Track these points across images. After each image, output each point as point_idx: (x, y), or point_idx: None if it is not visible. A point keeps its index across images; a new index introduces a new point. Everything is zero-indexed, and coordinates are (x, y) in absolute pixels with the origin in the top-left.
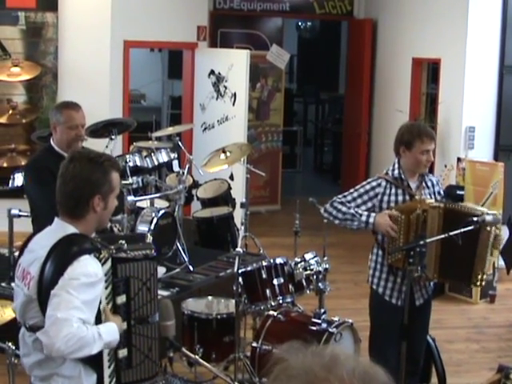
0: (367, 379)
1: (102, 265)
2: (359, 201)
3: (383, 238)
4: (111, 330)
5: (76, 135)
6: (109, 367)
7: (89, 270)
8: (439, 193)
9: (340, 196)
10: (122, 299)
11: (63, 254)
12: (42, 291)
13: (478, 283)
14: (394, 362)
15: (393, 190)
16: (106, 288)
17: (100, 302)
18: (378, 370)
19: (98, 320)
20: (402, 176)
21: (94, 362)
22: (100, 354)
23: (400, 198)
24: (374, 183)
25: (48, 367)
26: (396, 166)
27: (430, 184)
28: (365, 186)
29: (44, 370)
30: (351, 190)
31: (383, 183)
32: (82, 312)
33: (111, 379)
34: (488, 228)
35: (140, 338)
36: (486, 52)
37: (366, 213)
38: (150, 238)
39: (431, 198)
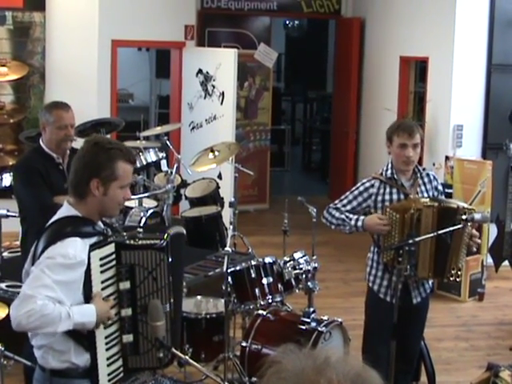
0: (359, 382)
1: (98, 248)
2: (354, 203)
3: (378, 236)
4: (86, 312)
5: (65, 135)
6: (107, 350)
7: (68, 251)
8: (436, 188)
9: (336, 201)
10: (125, 285)
11: (52, 234)
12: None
13: (452, 278)
14: (386, 359)
15: (387, 190)
16: (103, 272)
17: (91, 286)
18: (371, 373)
19: (86, 301)
20: (395, 176)
21: (86, 342)
22: (93, 335)
23: (395, 196)
24: (367, 184)
25: (41, 339)
26: (389, 165)
27: (426, 180)
28: (359, 188)
29: (38, 340)
30: (346, 193)
31: (377, 183)
32: (51, 291)
33: (112, 362)
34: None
35: (147, 327)
36: (473, 50)
37: (355, 217)
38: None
39: (428, 194)
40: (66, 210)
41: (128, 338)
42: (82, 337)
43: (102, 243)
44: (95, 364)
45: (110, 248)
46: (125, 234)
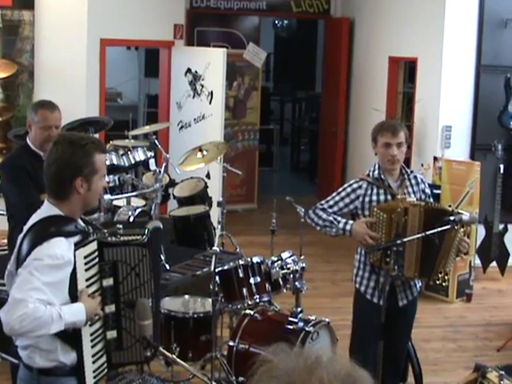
0: (350, 381)
1: (82, 247)
2: (341, 204)
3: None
4: (76, 311)
5: (49, 136)
6: (92, 347)
7: (56, 251)
8: (424, 191)
9: (323, 202)
10: (108, 282)
11: (36, 234)
12: (18, 268)
13: (439, 281)
14: (373, 360)
15: (374, 190)
16: (87, 270)
17: (77, 284)
18: (362, 373)
19: (76, 301)
20: (382, 176)
21: (72, 341)
22: (79, 332)
23: (382, 197)
24: (354, 185)
25: (26, 339)
26: (376, 166)
27: (414, 182)
28: (346, 189)
29: (23, 341)
30: (333, 194)
31: (364, 185)
32: (41, 293)
33: (97, 359)
34: (456, 227)
35: (130, 322)
36: (462, 51)
37: (343, 220)
38: (153, 223)
39: (415, 196)
40: (48, 209)
41: (112, 334)
42: (68, 335)
43: (86, 241)
44: (81, 361)
45: (93, 246)
46: (105, 230)
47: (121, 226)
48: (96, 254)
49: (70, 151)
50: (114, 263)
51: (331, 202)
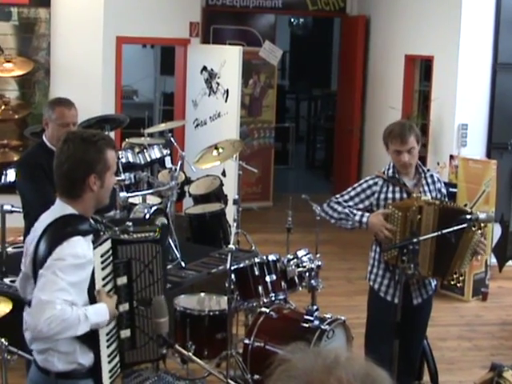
0: (369, 382)
1: (99, 245)
2: (356, 199)
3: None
4: (100, 312)
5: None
6: (108, 347)
7: (77, 251)
8: (440, 190)
9: (338, 195)
10: (122, 280)
11: (55, 234)
12: (36, 269)
13: (453, 282)
14: (388, 358)
15: (390, 188)
16: (104, 269)
17: (94, 283)
18: (380, 373)
19: (94, 301)
20: (397, 175)
21: (90, 341)
22: (96, 333)
23: (397, 195)
24: (370, 181)
25: (44, 342)
26: (391, 165)
27: (430, 181)
28: (362, 185)
29: (40, 344)
30: (348, 189)
31: (380, 182)
32: (67, 294)
33: (112, 359)
34: (473, 228)
35: (144, 320)
36: (479, 49)
37: (359, 212)
38: (160, 220)
39: (431, 194)
40: (61, 208)
41: (126, 333)
42: (86, 336)
43: (101, 240)
44: (99, 362)
45: (108, 244)
46: (116, 228)
47: (131, 224)
48: (110, 252)
49: (82, 148)
50: (128, 261)
51: (346, 197)
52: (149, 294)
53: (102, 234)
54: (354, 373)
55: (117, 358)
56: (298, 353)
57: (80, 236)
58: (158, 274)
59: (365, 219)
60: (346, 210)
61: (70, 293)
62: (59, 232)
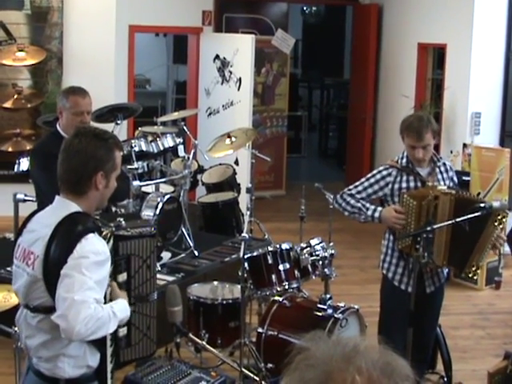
0: (388, 371)
1: (108, 242)
2: (370, 190)
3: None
4: (123, 307)
5: (81, 122)
6: (110, 346)
7: (97, 248)
8: (452, 179)
9: (351, 187)
10: (123, 277)
11: (70, 233)
12: (49, 271)
13: (470, 274)
14: (401, 347)
15: (404, 178)
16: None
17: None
18: (400, 362)
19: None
20: (410, 165)
21: (97, 341)
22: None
23: (412, 184)
24: (384, 172)
25: (54, 348)
26: (404, 154)
27: (443, 169)
28: (375, 175)
29: (50, 350)
30: (362, 180)
31: (394, 172)
32: (96, 292)
33: (112, 358)
34: (495, 223)
35: (139, 317)
36: (492, 37)
37: (372, 207)
38: (144, 215)
39: (444, 183)
40: (65, 206)
41: (123, 331)
42: None
43: (106, 237)
44: (104, 362)
45: (111, 241)
46: (112, 224)
47: (122, 219)
48: (112, 248)
49: (93, 144)
50: (128, 257)
51: (360, 188)
52: (145, 290)
53: (102, 230)
54: (373, 361)
55: (114, 358)
56: (317, 341)
57: (92, 233)
58: (154, 269)
59: (377, 214)
60: (359, 204)
61: (97, 291)
62: (74, 230)
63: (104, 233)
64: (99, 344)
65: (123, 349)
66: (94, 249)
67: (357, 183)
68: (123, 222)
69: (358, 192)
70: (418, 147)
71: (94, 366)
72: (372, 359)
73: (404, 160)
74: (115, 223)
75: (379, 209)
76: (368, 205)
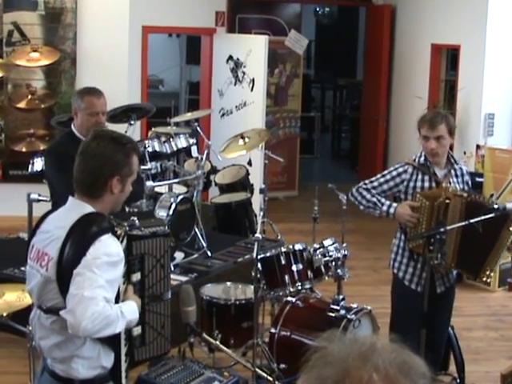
0: (405, 369)
1: (121, 242)
2: (385, 186)
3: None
4: (132, 309)
5: (96, 122)
6: (125, 345)
7: (111, 249)
8: (467, 183)
9: (367, 181)
10: (136, 277)
11: (84, 234)
12: (62, 272)
13: (484, 278)
14: (413, 348)
15: (419, 177)
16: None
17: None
18: (417, 360)
19: (116, 299)
20: (428, 163)
21: (112, 342)
22: (118, 332)
23: (426, 184)
24: (400, 169)
25: (67, 349)
26: (422, 153)
27: (459, 173)
28: (391, 172)
29: (64, 351)
30: (378, 176)
31: (410, 169)
32: (106, 291)
33: (126, 358)
34: (511, 228)
35: (153, 316)
36: (506, 38)
37: (388, 202)
38: (158, 214)
39: (459, 186)
40: (79, 207)
41: (137, 330)
42: (108, 337)
43: (120, 237)
44: (118, 362)
45: (125, 241)
46: (125, 223)
47: (136, 218)
48: (125, 248)
49: (111, 148)
50: (142, 257)
51: (375, 183)
52: (159, 289)
53: (116, 230)
54: (390, 360)
55: (128, 357)
56: (334, 340)
57: (107, 234)
58: (168, 268)
59: (392, 210)
60: (374, 199)
61: (107, 290)
62: (88, 232)
63: (118, 232)
64: (113, 344)
65: (137, 348)
66: (107, 251)
67: (372, 179)
68: (137, 222)
69: (374, 187)
70: (430, 138)
71: (108, 367)
72: (389, 357)
73: (422, 158)
74: (129, 222)
75: (394, 204)
76: (383, 200)
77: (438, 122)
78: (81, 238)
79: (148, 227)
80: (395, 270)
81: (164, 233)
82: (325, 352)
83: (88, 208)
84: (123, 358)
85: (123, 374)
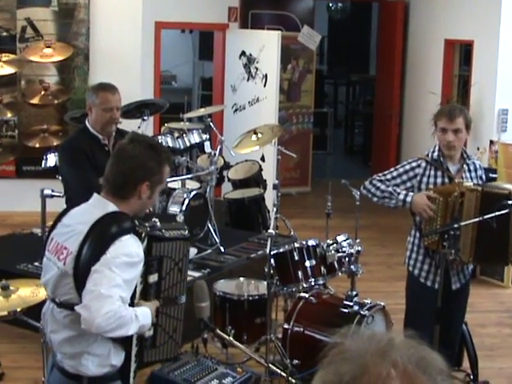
0: (423, 365)
1: (142, 242)
2: (398, 180)
3: (421, 219)
4: (146, 314)
5: (111, 118)
6: (136, 346)
7: (131, 250)
8: (481, 177)
9: (380, 174)
10: (153, 278)
11: (105, 233)
12: (80, 268)
13: None
14: (428, 344)
15: (432, 172)
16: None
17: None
18: (435, 356)
19: (132, 299)
20: (441, 159)
21: (123, 341)
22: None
23: (439, 180)
24: (413, 164)
25: (79, 345)
26: (436, 148)
27: (472, 168)
28: (404, 166)
29: (75, 347)
30: (391, 169)
31: (423, 164)
32: (123, 290)
33: (136, 358)
34: None
35: (166, 319)
36: None
37: (404, 191)
38: (180, 218)
39: (472, 181)
40: (103, 205)
41: (149, 332)
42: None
43: (141, 237)
44: (128, 362)
45: (146, 241)
46: (147, 224)
47: (157, 220)
48: (145, 248)
49: (147, 154)
50: (161, 258)
51: (388, 176)
52: (174, 293)
53: (137, 230)
54: (408, 356)
55: (138, 358)
56: (352, 336)
57: (128, 234)
58: (185, 272)
59: (409, 198)
60: (390, 189)
61: (124, 290)
62: (109, 230)
63: (139, 231)
64: (125, 343)
65: (148, 349)
66: (127, 251)
67: (385, 172)
68: (158, 223)
69: (387, 180)
70: (448, 130)
71: (117, 365)
72: (407, 353)
73: (435, 153)
74: (150, 223)
75: (411, 193)
76: (399, 190)
77: (457, 115)
78: (102, 235)
79: (169, 230)
80: (410, 268)
81: (184, 237)
82: (342, 348)
83: (111, 207)
84: (133, 358)
85: (131, 374)
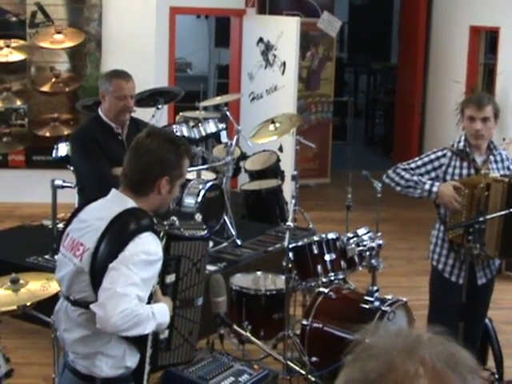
0: (452, 362)
1: (161, 241)
2: (423, 169)
3: (445, 212)
4: (163, 312)
5: (124, 106)
6: (151, 348)
7: (150, 247)
8: (508, 168)
9: (404, 163)
10: (171, 278)
11: (124, 229)
12: (97, 264)
13: None
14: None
15: (458, 163)
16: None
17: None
18: (464, 353)
19: (149, 298)
20: (467, 149)
21: (138, 342)
22: (146, 334)
23: (465, 171)
24: (439, 153)
25: (93, 345)
26: (462, 138)
27: (499, 158)
28: (430, 156)
29: (88, 347)
30: (415, 159)
31: (449, 154)
32: (139, 289)
33: (150, 361)
34: None
35: (182, 321)
36: None
37: (429, 181)
38: (199, 217)
39: (499, 173)
40: (122, 201)
41: (164, 333)
42: (135, 337)
43: (160, 235)
44: (143, 364)
45: (164, 240)
46: (165, 222)
47: (176, 218)
48: (163, 247)
49: (166, 148)
50: (179, 258)
51: (412, 165)
52: (191, 294)
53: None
54: (437, 353)
55: (152, 360)
56: (377, 332)
57: (147, 232)
58: (203, 273)
59: (435, 188)
60: (415, 178)
61: (141, 288)
62: (128, 227)
63: (157, 230)
64: (140, 345)
65: (162, 352)
66: (146, 248)
67: (410, 161)
68: (177, 222)
69: (412, 169)
70: (476, 118)
71: (131, 367)
72: (435, 350)
73: (461, 144)
74: (169, 222)
75: (437, 183)
76: (424, 179)
77: (486, 103)
78: (120, 232)
79: (188, 229)
80: (434, 262)
81: (203, 237)
82: (368, 344)
83: (130, 203)
84: (148, 360)
85: (145, 377)
